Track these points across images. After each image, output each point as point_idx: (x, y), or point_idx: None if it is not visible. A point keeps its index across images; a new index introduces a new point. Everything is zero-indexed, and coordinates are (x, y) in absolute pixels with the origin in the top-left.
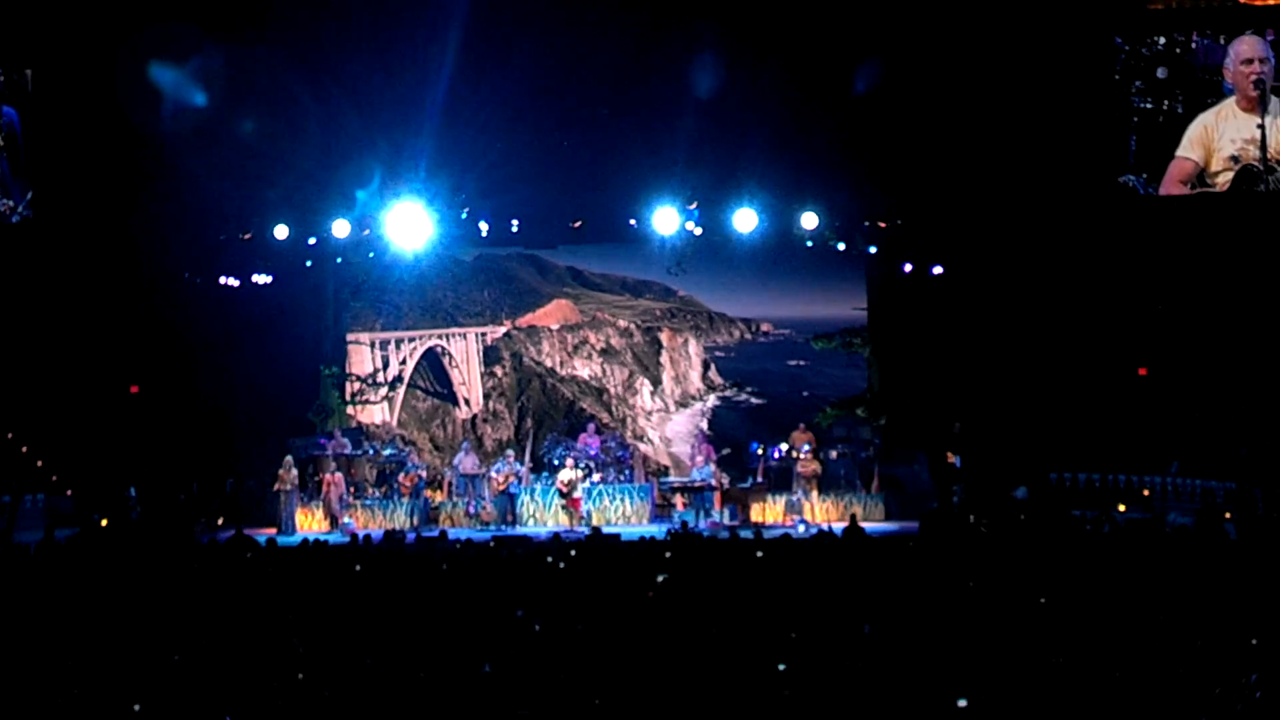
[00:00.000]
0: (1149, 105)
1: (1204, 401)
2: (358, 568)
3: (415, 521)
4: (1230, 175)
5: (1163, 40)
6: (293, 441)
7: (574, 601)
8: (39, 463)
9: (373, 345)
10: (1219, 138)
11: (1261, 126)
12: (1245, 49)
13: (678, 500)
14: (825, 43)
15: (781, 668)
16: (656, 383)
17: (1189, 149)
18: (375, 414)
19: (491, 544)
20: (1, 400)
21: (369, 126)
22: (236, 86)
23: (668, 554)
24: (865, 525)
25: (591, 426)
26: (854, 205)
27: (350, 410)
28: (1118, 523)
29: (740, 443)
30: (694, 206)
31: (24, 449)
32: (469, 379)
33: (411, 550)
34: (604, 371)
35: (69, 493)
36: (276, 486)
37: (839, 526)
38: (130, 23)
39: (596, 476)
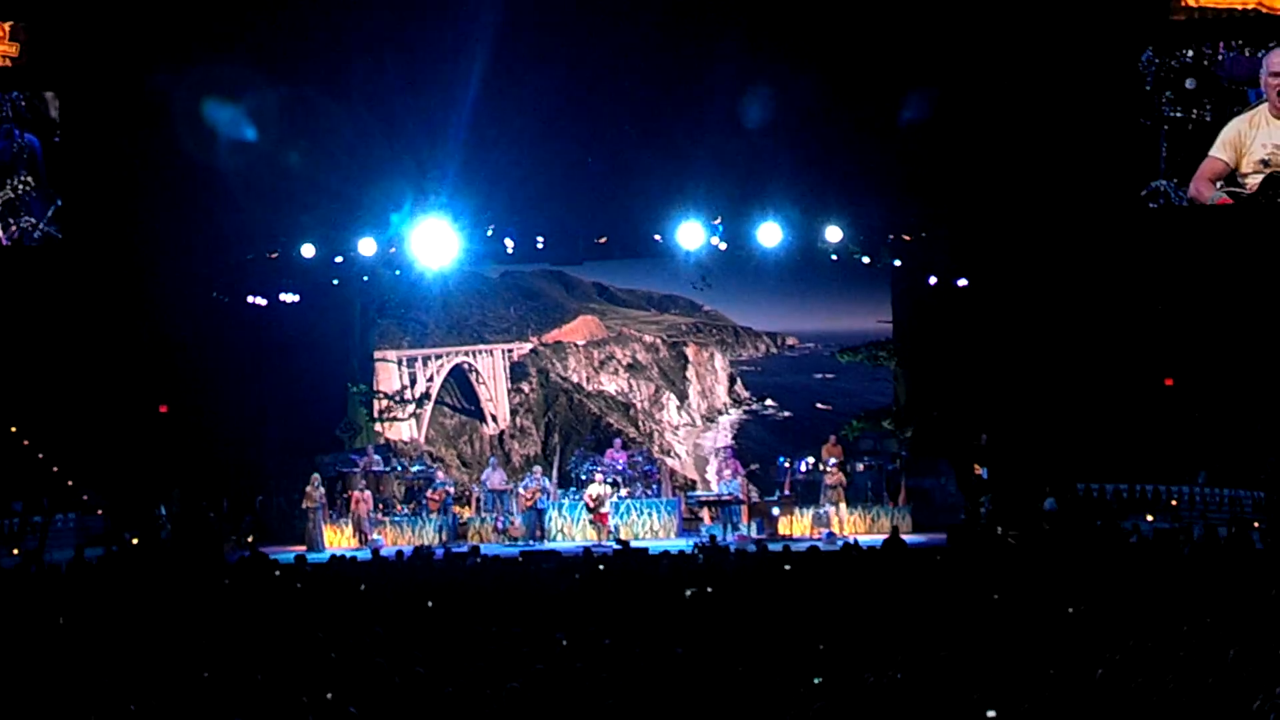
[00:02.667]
0: (1179, 114)
1: (1231, 412)
2: (362, 587)
3: (444, 538)
4: (1260, 179)
5: (1191, 53)
6: (321, 459)
7: (602, 615)
8: (69, 482)
9: (400, 363)
10: (1251, 142)
11: None
12: (1275, 61)
13: (705, 514)
14: (850, 58)
15: (817, 681)
16: (683, 397)
17: (1221, 149)
18: (403, 431)
19: (520, 559)
20: (33, 420)
21: (395, 145)
22: (265, 109)
23: (696, 589)
24: None
25: (618, 442)
26: (879, 218)
27: (378, 427)
28: (1142, 532)
29: (767, 456)
30: (718, 221)
31: (55, 469)
32: (496, 395)
33: (440, 566)
34: (630, 387)
35: (99, 512)
36: (305, 504)
37: (866, 539)
38: (160, 47)
39: (624, 491)
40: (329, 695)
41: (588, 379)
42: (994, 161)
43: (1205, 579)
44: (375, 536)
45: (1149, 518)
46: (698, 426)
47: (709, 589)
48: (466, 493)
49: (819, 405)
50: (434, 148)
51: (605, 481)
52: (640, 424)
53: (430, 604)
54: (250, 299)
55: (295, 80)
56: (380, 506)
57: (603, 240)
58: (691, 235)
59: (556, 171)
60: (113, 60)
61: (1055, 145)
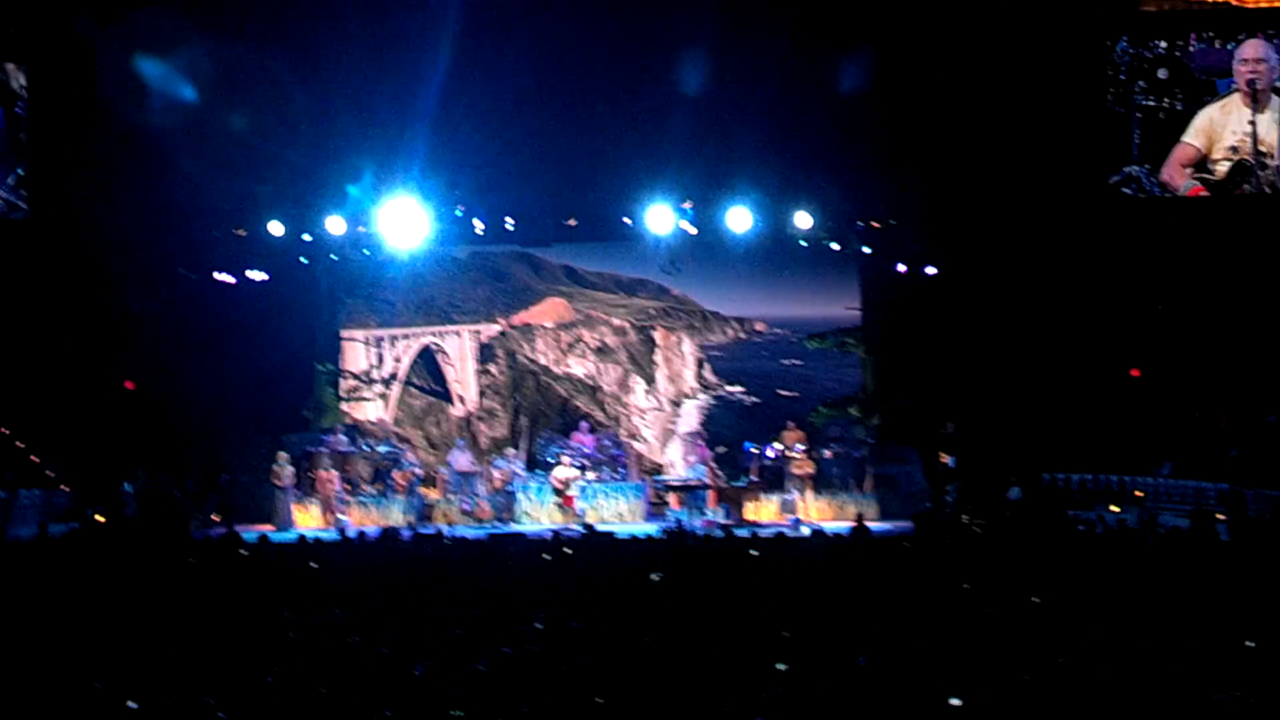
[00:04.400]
0: (1151, 103)
1: (1196, 403)
2: (313, 564)
3: (410, 519)
4: (1228, 165)
5: (1163, 44)
6: (287, 438)
7: (568, 599)
8: (34, 458)
9: (367, 342)
10: (1223, 129)
11: (1253, 123)
12: (1247, 50)
13: (672, 499)
14: (821, 41)
15: (781, 667)
16: (650, 381)
17: (1194, 136)
18: (370, 411)
19: (488, 542)
20: None
21: (364, 122)
22: (230, 81)
23: (662, 573)
24: None
25: (585, 425)
26: (848, 205)
27: (345, 407)
28: (1107, 523)
29: (734, 442)
30: (688, 205)
31: (19, 444)
32: (464, 377)
33: (408, 548)
34: (598, 370)
35: (64, 488)
36: (274, 482)
37: (832, 526)
38: (120, 16)
39: (591, 475)
40: (295, 675)
41: (556, 362)
42: (965, 149)
43: (1164, 569)
44: (342, 517)
45: (1113, 508)
46: (665, 411)
47: (673, 574)
48: (433, 474)
49: (781, 392)
50: (402, 126)
51: (572, 465)
52: (607, 407)
53: (399, 586)
54: (217, 275)
55: (263, 55)
56: (347, 487)
57: (572, 222)
58: (661, 219)
59: (526, 152)
60: (76, 32)
61: (1026, 133)
